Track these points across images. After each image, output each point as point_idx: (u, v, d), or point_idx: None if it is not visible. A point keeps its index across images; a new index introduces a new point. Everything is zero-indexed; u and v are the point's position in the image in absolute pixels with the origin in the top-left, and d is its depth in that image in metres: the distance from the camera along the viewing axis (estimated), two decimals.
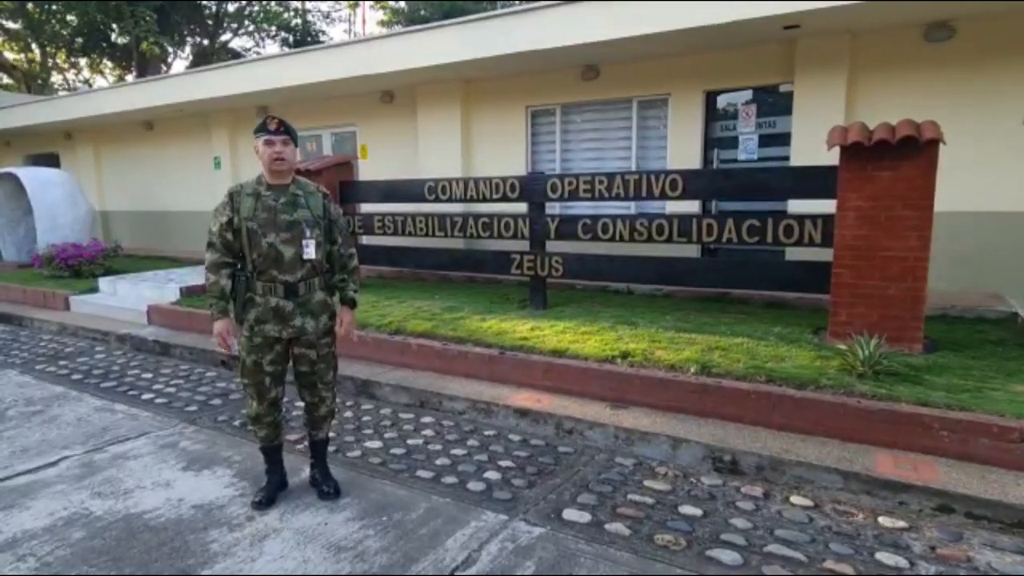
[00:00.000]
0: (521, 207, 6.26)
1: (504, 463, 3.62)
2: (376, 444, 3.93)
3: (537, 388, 4.51)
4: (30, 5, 21.87)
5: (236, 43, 26.83)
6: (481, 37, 7.44)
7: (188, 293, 7.33)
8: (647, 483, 3.35)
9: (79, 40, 23.51)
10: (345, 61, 8.60)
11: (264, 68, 9.68)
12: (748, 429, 3.73)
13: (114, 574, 2.61)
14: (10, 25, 23.27)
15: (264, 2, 25.82)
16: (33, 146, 15.36)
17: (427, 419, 4.34)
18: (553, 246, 6.12)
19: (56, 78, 26.67)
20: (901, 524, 2.89)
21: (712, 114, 7.41)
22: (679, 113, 7.46)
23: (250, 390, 3.11)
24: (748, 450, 3.45)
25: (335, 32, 43.00)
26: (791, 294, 5.78)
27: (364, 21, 44.46)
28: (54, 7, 22.13)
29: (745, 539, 2.79)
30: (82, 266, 9.23)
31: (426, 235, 6.93)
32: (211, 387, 5.18)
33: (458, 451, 3.80)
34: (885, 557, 2.64)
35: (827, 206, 4.73)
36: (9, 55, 24.13)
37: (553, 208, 7.14)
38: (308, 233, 3.01)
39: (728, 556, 2.66)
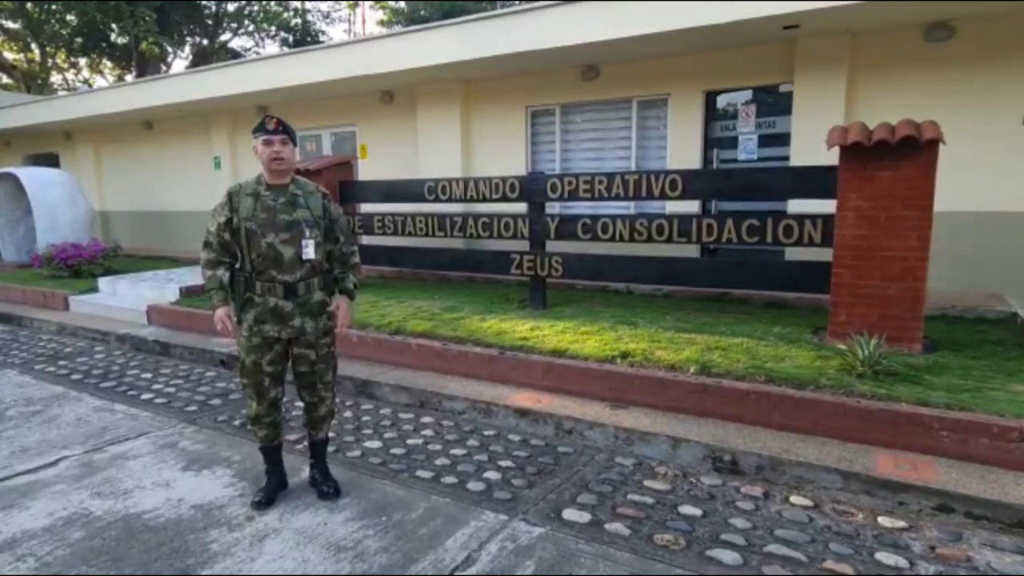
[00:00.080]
0: (521, 207, 6.26)
1: (504, 463, 3.62)
2: (376, 444, 3.93)
3: (537, 388, 4.51)
4: (30, 5, 21.85)
5: (236, 43, 26.87)
6: (481, 37, 7.44)
7: (188, 293, 7.33)
8: (647, 483, 3.35)
9: (79, 40, 23.51)
10: (345, 61, 8.60)
11: (264, 68, 9.67)
12: (748, 429, 3.73)
13: (114, 574, 2.61)
14: (10, 25, 23.26)
15: (264, 2, 25.83)
16: (33, 146, 15.35)
17: (427, 419, 4.34)
18: (553, 246, 6.12)
19: (56, 78, 26.67)
20: (901, 524, 2.89)
21: (712, 114, 7.41)
22: (679, 113, 7.46)
23: (249, 390, 3.11)
24: (748, 450, 3.45)
25: (335, 32, 43.06)
26: (791, 294, 5.78)
27: (364, 21, 44.53)
28: (54, 7, 22.12)
29: (745, 539, 2.79)
30: (82, 266, 9.24)
31: (426, 235, 6.93)
32: (211, 387, 5.18)
33: (458, 451, 3.80)
34: (885, 557, 2.64)
35: (827, 206, 4.73)
36: (9, 55, 24.13)
37: (553, 208, 7.13)
38: (307, 233, 3.00)
39: (728, 556, 2.66)
